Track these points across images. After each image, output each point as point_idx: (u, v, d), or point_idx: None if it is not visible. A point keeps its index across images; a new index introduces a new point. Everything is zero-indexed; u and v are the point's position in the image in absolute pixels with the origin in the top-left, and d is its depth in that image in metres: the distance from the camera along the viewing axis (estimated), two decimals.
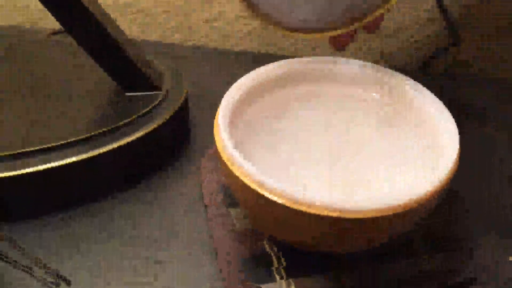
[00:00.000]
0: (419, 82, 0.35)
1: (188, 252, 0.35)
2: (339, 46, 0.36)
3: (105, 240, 0.35)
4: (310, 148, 0.37)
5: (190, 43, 0.62)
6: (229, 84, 0.35)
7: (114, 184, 0.39)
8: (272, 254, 0.33)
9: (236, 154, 0.29)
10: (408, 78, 0.35)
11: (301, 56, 0.37)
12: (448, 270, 0.33)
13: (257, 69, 0.36)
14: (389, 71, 0.35)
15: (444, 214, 0.37)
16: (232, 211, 0.36)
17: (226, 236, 0.35)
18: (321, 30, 0.32)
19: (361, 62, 0.36)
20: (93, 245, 0.35)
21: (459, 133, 0.31)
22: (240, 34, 0.60)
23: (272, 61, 0.36)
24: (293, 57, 0.37)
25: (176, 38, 0.62)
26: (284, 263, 0.33)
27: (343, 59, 0.36)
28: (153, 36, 0.62)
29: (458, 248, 0.35)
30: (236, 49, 0.61)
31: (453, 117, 0.32)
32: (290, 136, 0.38)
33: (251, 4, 0.33)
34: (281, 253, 0.33)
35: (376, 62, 0.59)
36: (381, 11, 0.31)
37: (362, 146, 0.37)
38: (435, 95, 0.34)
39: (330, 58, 0.37)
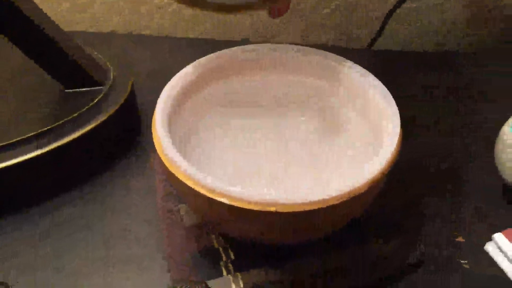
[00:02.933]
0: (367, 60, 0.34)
1: (141, 250, 0.34)
2: (276, 15, 0.36)
3: (52, 242, 0.35)
4: (254, 141, 0.37)
5: (141, 31, 0.60)
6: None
7: (61, 185, 0.38)
8: (220, 248, 0.33)
9: (173, 153, 0.28)
10: (352, 63, 0.34)
11: (253, 42, 0.36)
12: (399, 254, 0.33)
13: (198, 60, 0.34)
14: (334, 56, 0.35)
15: (393, 200, 0.37)
16: (182, 207, 0.36)
17: (175, 232, 0.34)
18: (237, 8, 0.31)
19: (304, 48, 0.35)
20: (37, 249, 0.34)
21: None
22: (193, 20, 0.59)
23: (224, 48, 0.35)
24: (243, 43, 0.36)
25: (126, 26, 0.60)
26: (233, 257, 0.33)
27: (283, 45, 0.36)
28: (109, 27, 0.60)
29: (408, 232, 0.35)
30: (190, 35, 0.60)
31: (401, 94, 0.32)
32: (233, 129, 0.37)
33: None
34: (229, 246, 0.33)
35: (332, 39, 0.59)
36: None
37: (304, 137, 0.37)
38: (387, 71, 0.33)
39: (272, 45, 0.36)
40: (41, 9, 0.37)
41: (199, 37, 0.60)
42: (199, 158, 0.34)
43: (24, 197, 0.37)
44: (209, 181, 0.26)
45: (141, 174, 0.40)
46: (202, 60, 0.35)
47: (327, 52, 0.35)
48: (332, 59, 0.35)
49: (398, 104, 0.31)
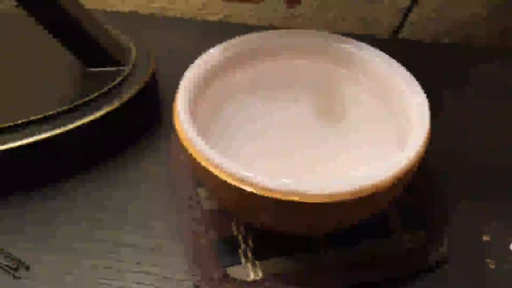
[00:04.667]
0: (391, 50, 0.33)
1: (156, 234, 0.34)
2: (291, 4, 0.35)
3: (68, 223, 0.34)
4: (277, 128, 0.36)
5: (167, 13, 0.59)
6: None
7: (77, 165, 0.37)
8: (240, 236, 0.32)
9: (196, 139, 0.27)
10: (374, 48, 0.33)
11: (275, 28, 0.35)
12: (423, 249, 0.32)
13: (223, 43, 0.34)
14: (358, 43, 0.34)
15: (420, 192, 0.36)
16: (201, 191, 0.35)
17: (193, 218, 0.34)
18: None
19: (330, 34, 0.34)
20: (53, 229, 0.34)
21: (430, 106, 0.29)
22: (218, 4, 0.58)
23: (245, 32, 0.35)
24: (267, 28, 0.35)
25: (153, 7, 0.59)
26: (252, 245, 0.32)
27: (310, 31, 0.35)
28: (130, 6, 0.59)
29: (433, 227, 0.34)
30: (214, 18, 0.59)
31: (426, 86, 0.31)
32: (256, 114, 0.36)
33: None
34: (249, 234, 0.32)
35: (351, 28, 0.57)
36: None
37: (329, 124, 0.36)
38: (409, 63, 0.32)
39: (298, 31, 0.35)
40: None
41: (223, 20, 0.59)
42: (221, 143, 0.34)
43: (38, 177, 0.36)
44: (229, 166, 0.26)
45: (156, 159, 0.39)
46: (225, 44, 0.34)
47: (349, 38, 0.34)
48: (354, 44, 0.34)
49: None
